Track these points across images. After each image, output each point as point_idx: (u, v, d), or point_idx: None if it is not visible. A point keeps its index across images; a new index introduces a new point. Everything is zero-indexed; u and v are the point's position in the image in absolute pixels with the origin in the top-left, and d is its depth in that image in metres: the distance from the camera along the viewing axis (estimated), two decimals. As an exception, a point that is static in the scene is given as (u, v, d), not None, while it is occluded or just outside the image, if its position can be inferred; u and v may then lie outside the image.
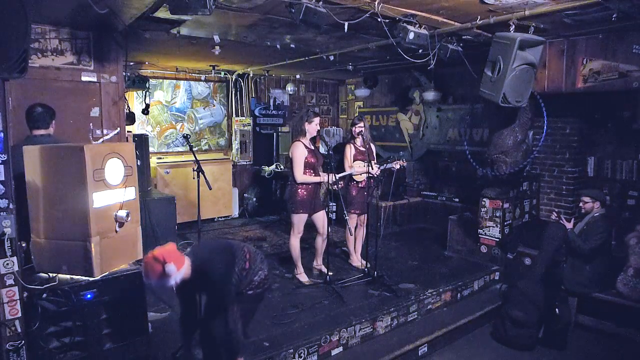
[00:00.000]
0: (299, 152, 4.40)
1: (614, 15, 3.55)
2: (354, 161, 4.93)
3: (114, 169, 2.85)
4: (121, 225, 2.91)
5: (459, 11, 3.84)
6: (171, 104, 7.32)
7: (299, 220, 4.52)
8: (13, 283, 2.41)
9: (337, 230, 6.33)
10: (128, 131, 5.26)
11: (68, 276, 2.77)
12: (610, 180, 5.63)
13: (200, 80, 7.56)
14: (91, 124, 4.32)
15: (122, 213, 2.88)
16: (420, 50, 4.08)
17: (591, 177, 5.85)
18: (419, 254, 5.82)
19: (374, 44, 4.96)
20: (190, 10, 2.89)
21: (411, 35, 3.80)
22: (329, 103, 9.34)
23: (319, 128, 4.52)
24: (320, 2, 3.28)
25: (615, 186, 5.58)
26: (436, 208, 7.24)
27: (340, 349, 3.75)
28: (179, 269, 2.41)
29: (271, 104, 8.15)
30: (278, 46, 5.15)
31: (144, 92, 6.69)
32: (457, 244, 5.91)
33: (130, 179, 2.98)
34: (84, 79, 4.25)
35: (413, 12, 3.78)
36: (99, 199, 2.73)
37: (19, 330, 2.45)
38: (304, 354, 3.48)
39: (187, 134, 4.64)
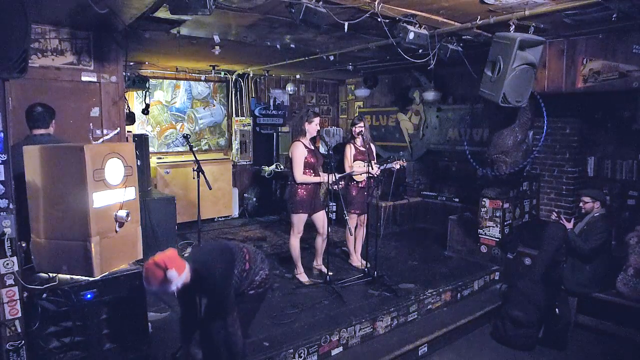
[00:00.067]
0: (299, 152, 4.40)
1: (614, 15, 3.55)
2: (354, 161, 4.93)
3: (114, 169, 2.85)
4: (121, 225, 2.91)
5: (459, 11, 3.84)
6: (171, 104, 7.32)
7: (299, 220, 4.52)
8: (13, 283, 2.41)
9: (337, 230, 6.33)
10: (128, 131, 5.25)
11: (68, 276, 2.77)
12: (610, 180, 5.64)
13: (200, 80, 7.56)
14: (91, 124, 4.32)
15: (122, 213, 2.88)
16: (420, 50, 4.08)
17: (591, 177, 5.85)
18: (419, 254, 5.82)
19: (374, 44, 4.96)
20: (190, 10, 2.89)
21: (411, 35, 3.80)
22: (329, 103, 9.34)
23: (319, 128, 4.52)
24: (320, 2, 3.28)
25: (615, 186, 5.58)
26: (436, 208, 7.24)
27: (340, 349, 3.75)
28: (180, 275, 2.41)
29: (271, 104, 8.15)
30: (278, 46, 5.15)
31: (144, 92, 6.68)
32: (457, 244, 5.91)
33: (130, 179, 2.98)
34: (84, 79, 4.25)
35: (413, 12, 3.78)
36: (99, 199, 2.73)
37: (19, 330, 2.45)
38: (304, 354, 3.48)
39: (187, 134, 4.64)
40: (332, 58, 5.73)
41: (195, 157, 3.92)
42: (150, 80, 6.75)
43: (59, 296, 2.63)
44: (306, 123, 4.47)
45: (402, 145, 8.04)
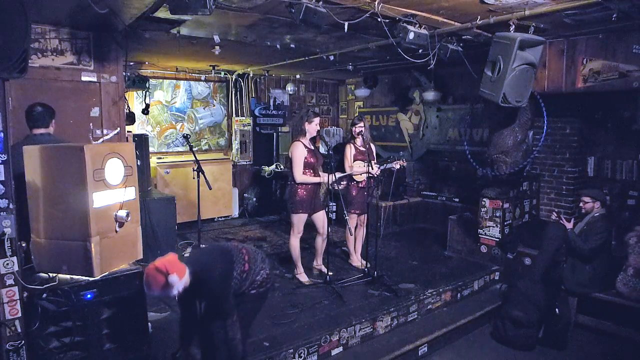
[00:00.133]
0: (299, 152, 4.41)
1: (614, 15, 3.55)
2: (354, 161, 4.93)
3: (114, 169, 2.85)
4: (121, 225, 2.90)
5: (459, 11, 3.84)
6: (171, 104, 7.32)
7: (299, 220, 4.52)
8: (13, 283, 2.41)
9: (337, 230, 6.33)
10: (128, 131, 5.25)
11: (68, 276, 2.76)
12: (610, 180, 5.64)
13: (200, 80, 7.56)
14: (91, 124, 4.32)
15: (122, 213, 2.88)
16: (420, 50, 4.08)
17: (591, 177, 5.85)
18: (419, 254, 5.82)
19: (374, 44, 4.96)
20: (190, 10, 2.89)
21: (411, 35, 3.80)
22: (329, 103, 9.34)
23: (319, 128, 4.52)
24: (320, 2, 3.28)
25: (615, 186, 5.58)
26: (436, 208, 7.24)
27: (340, 349, 3.75)
28: (181, 279, 2.41)
29: (271, 104, 8.15)
30: (278, 46, 5.15)
31: (144, 92, 6.68)
32: (457, 244, 5.91)
33: (130, 179, 2.98)
34: (84, 79, 4.25)
35: (413, 12, 3.78)
36: (99, 199, 2.73)
37: (19, 330, 2.45)
38: (304, 354, 3.48)
39: (187, 134, 4.65)
40: (332, 58, 5.73)
41: (195, 157, 3.93)
42: (150, 80, 6.75)
43: (59, 296, 2.63)
44: (306, 123, 4.47)
45: (402, 145, 8.04)
